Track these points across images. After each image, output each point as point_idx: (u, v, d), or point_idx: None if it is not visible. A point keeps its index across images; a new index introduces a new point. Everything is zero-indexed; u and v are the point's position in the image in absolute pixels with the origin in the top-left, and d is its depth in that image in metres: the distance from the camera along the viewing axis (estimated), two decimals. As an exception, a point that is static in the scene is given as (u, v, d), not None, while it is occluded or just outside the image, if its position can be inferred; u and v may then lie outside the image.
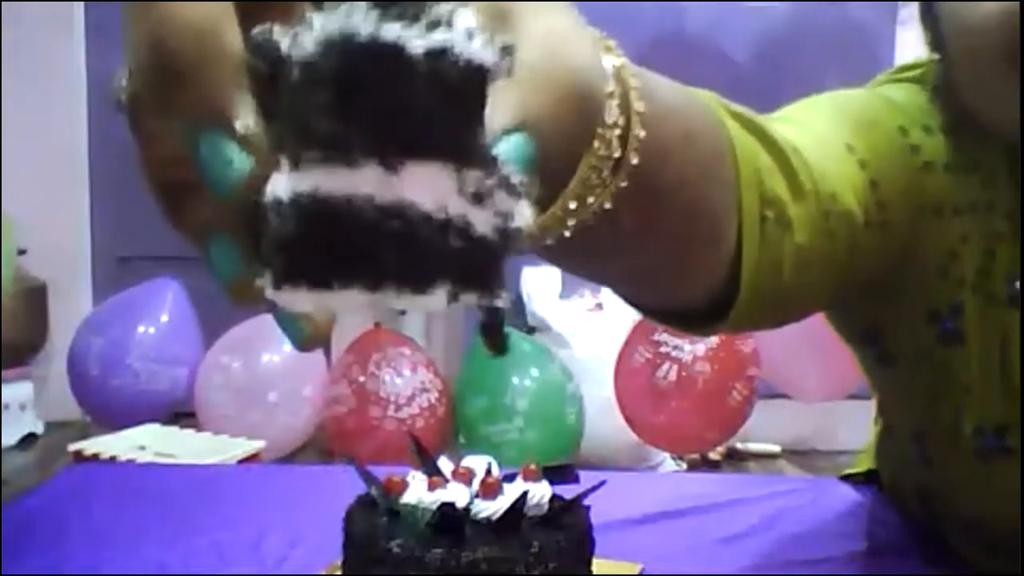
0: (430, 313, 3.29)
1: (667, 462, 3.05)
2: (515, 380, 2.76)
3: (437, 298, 0.26)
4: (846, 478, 1.00)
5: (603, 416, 2.83)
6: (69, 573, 0.78)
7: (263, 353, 2.82)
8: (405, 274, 0.25)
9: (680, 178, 0.44)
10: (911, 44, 3.17)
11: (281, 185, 0.25)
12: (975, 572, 0.78)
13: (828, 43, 3.33)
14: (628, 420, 2.81)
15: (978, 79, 0.64)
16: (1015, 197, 0.69)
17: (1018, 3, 0.59)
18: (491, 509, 0.62)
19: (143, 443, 2.61)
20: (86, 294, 3.57)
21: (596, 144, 0.37)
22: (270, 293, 0.25)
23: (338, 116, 0.24)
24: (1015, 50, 0.59)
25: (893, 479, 0.90)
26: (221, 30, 0.26)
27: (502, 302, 0.27)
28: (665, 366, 2.70)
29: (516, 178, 0.26)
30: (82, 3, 3.49)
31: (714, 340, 2.68)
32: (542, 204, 0.36)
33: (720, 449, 3.13)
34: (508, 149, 0.27)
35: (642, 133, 0.38)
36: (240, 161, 0.25)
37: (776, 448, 3.30)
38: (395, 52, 0.24)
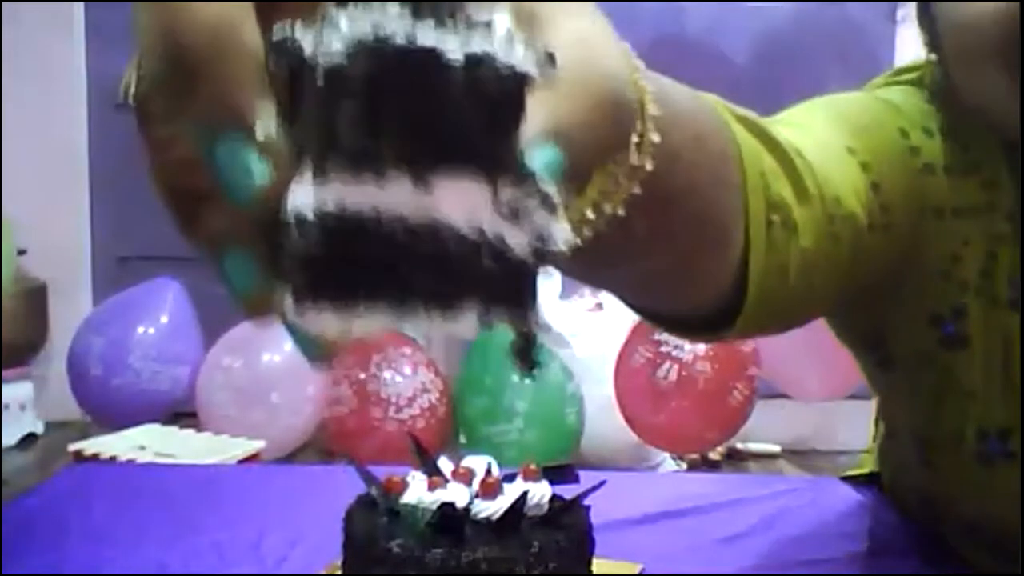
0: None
1: (667, 462, 3.05)
2: (515, 380, 2.76)
3: (467, 320, 0.24)
4: (847, 479, 1.00)
5: (603, 416, 2.83)
6: (69, 573, 0.78)
7: (264, 353, 2.82)
8: (434, 294, 0.24)
9: (690, 182, 0.44)
10: (911, 44, 3.17)
11: (304, 197, 0.23)
12: (975, 573, 0.78)
13: (828, 43, 3.33)
14: (628, 420, 2.81)
15: (974, 77, 0.64)
16: (1016, 198, 0.69)
17: (1013, 2, 0.59)
18: (491, 509, 0.62)
19: (143, 443, 2.61)
20: (86, 294, 3.57)
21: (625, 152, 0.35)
22: (291, 312, 0.24)
23: (367, 126, 0.23)
24: (1009, 47, 0.59)
25: (894, 482, 0.90)
26: (239, 26, 0.24)
27: (535, 323, 0.26)
28: (665, 366, 2.70)
29: (552, 194, 0.25)
30: (82, 3, 3.49)
31: (714, 340, 2.68)
32: None
33: (720, 449, 3.13)
34: (540, 160, 0.25)
35: (657, 138, 0.37)
36: (260, 168, 0.24)
37: (776, 448, 3.30)
38: (432, 58, 0.23)
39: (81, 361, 2.91)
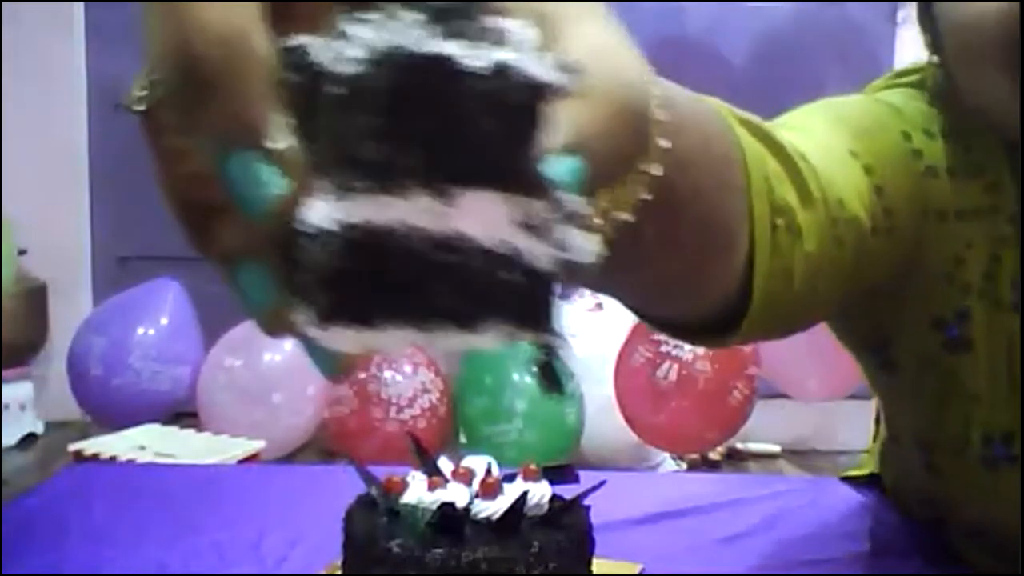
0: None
1: (667, 462, 3.05)
2: (514, 381, 2.76)
3: (490, 337, 0.24)
4: (848, 479, 1.00)
5: (603, 416, 2.83)
6: (69, 573, 0.78)
7: (265, 352, 2.83)
8: (457, 312, 0.23)
9: (696, 187, 0.44)
10: (910, 45, 3.17)
11: (322, 212, 0.22)
12: (976, 573, 0.78)
13: (828, 43, 3.33)
14: (628, 420, 2.81)
15: (976, 77, 0.64)
16: (1020, 200, 0.68)
17: (1014, 1, 0.59)
18: (491, 509, 0.62)
19: (143, 443, 2.61)
20: (86, 294, 3.57)
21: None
22: (308, 328, 0.23)
23: (387, 141, 0.22)
24: (1011, 48, 0.59)
25: (897, 485, 0.90)
26: (249, 36, 0.23)
27: (559, 340, 0.25)
28: (665, 365, 2.70)
29: (577, 206, 0.24)
30: (82, 3, 3.49)
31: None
32: None
33: (720, 449, 3.13)
34: (561, 170, 0.25)
35: (666, 143, 0.37)
36: (274, 182, 0.23)
37: (776, 448, 3.30)
38: (453, 71, 0.22)
39: (81, 361, 2.91)
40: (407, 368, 2.80)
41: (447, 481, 0.64)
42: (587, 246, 0.24)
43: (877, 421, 0.89)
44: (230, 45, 0.23)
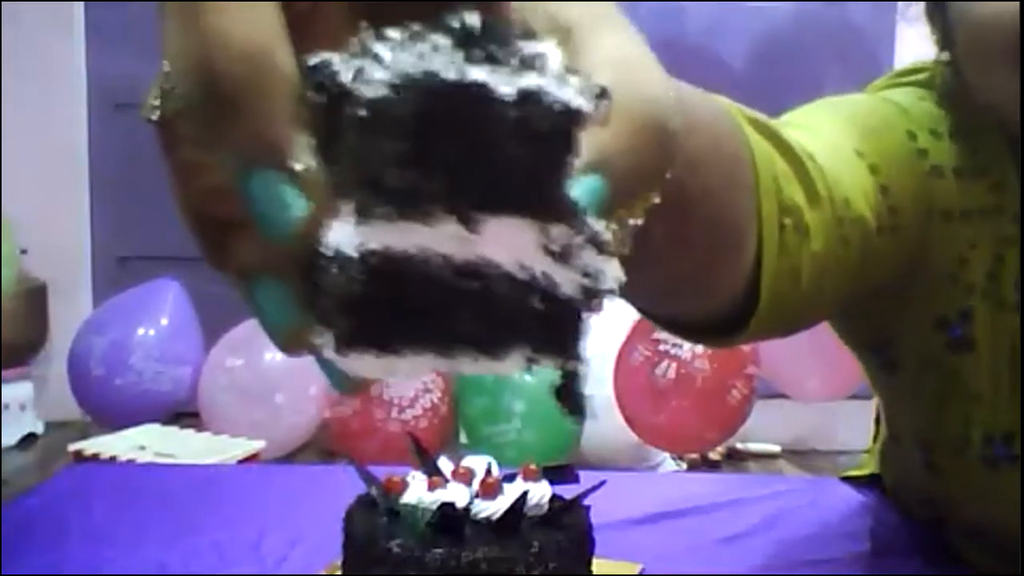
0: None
1: (667, 462, 3.05)
2: (514, 381, 2.76)
3: (512, 362, 0.24)
4: (848, 479, 1.00)
5: (603, 416, 2.83)
6: (69, 573, 0.78)
7: (266, 352, 2.83)
8: (480, 338, 0.23)
9: (706, 187, 0.43)
10: (911, 45, 3.17)
11: (345, 236, 0.22)
12: (976, 573, 0.78)
13: (828, 44, 3.33)
14: (627, 419, 2.81)
15: (987, 75, 0.64)
16: (1021, 199, 0.68)
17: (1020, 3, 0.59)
18: (491, 509, 0.62)
19: (143, 443, 2.61)
20: (86, 294, 3.57)
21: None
22: (328, 351, 0.23)
23: (411, 166, 0.22)
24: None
25: (897, 485, 0.90)
26: (274, 52, 0.23)
27: (582, 367, 0.25)
28: (664, 364, 2.70)
29: (601, 231, 0.24)
30: (82, 3, 3.49)
31: (714, 339, 2.68)
32: None
33: (720, 449, 3.13)
34: (584, 191, 0.24)
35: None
36: (297, 204, 0.23)
37: (776, 448, 3.30)
38: (480, 98, 0.21)
39: (82, 362, 2.91)
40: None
41: (447, 481, 0.64)
42: (610, 271, 0.24)
43: (877, 421, 0.89)
44: (253, 61, 0.22)
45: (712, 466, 3.13)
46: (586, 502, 0.65)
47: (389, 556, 0.59)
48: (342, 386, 0.25)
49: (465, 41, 0.22)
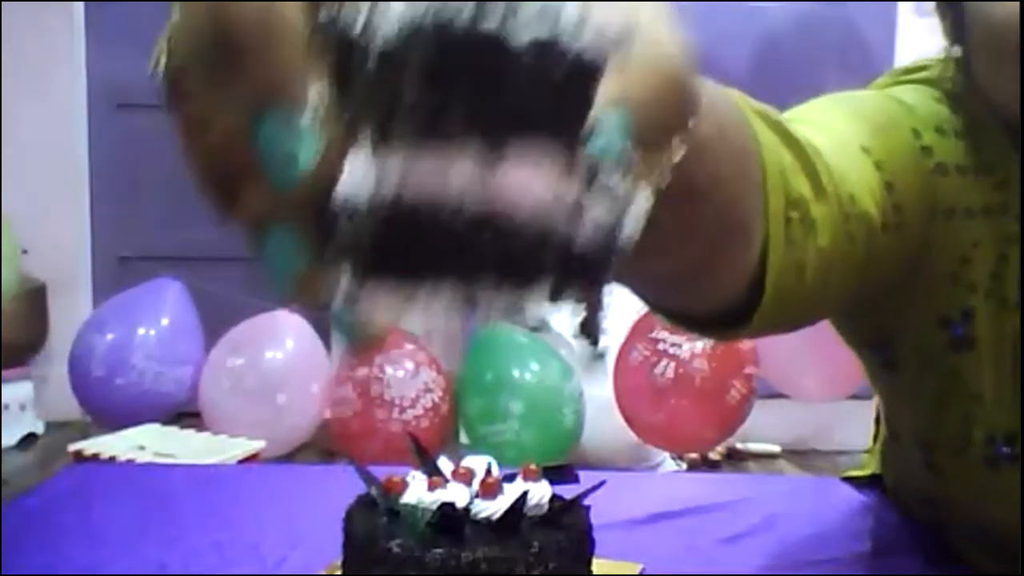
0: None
1: (667, 462, 3.05)
2: (511, 382, 2.76)
3: (536, 295, 0.23)
4: (849, 480, 1.00)
5: (603, 416, 2.83)
6: (69, 573, 0.78)
7: (266, 351, 2.83)
8: (504, 269, 0.23)
9: (714, 176, 0.43)
10: (911, 46, 3.17)
11: (360, 174, 0.22)
12: (977, 573, 0.78)
13: (828, 44, 3.34)
14: (627, 419, 2.81)
15: (999, 74, 0.64)
16: (1021, 197, 0.68)
17: None
18: (491, 509, 0.62)
19: (143, 443, 2.61)
20: (86, 294, 3.57)
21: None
22: (343, 295, 0.23)
23: (433, 90, 0.21)
24: None
25: (898, 485, 0.90)
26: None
27: (607, 300, 0.25)
28: (663, 363, 2.70)
29: (628, 162, 0.24)
30: (82, 3, 3.49)
31: (713, 338, 2.68)
32: None
33: (720, 449, 3.14)
34: (611, 129, 0.24)
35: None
36: (308, 148, 0.23)
37: (776, 448, 3.30)
38: (496, 45, 0.21)
39: (83, 362, 2.91)
40: (409, 368, 2.80)
41: (447, 481, 0.64)
42: (638, 202, 0.24)
43: (877, 421, 0.89)
44: (266, 8, 0.23)
45: (712, 466, 3.13)
46: (586, 502, 0.65)
47: (389, 556, 0.59)
48: (353, 340, 0.24)
49: None
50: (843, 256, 0.57)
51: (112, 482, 1.02)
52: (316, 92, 0.23)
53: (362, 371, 2.78)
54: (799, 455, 3.29)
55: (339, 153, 0.22)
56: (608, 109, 0.25)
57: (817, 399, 2.97)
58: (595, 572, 0.65)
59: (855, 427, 2.80)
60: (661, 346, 2.71)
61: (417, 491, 0.62)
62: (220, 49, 0.23)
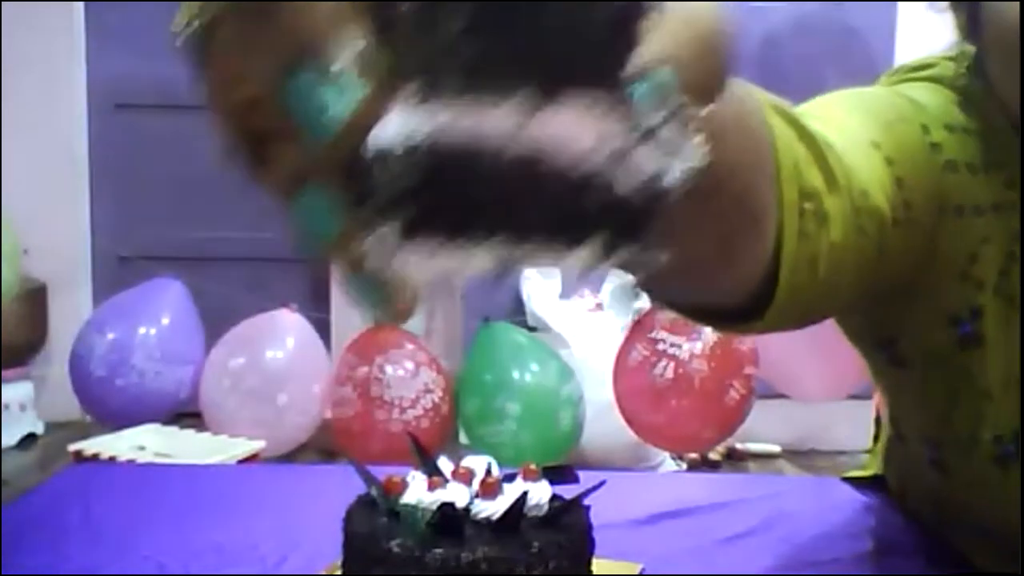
0: (430, 308, 3.29)
1: (667, 462, 3.05)
2: (509, 383, 2.76)
3: (585, 253, 0.22)
4: (851, 480, 1.00)
5: (603, 416, 2.83)
6: (69, 573, 0.78)
7: (267, 351, 2.83)
8: (553, 226, 0.22)
9: (732, 165, 0.42)
10: (911, 46, 3.17)
11: (396, 126, 0.21)
12: (980, 573, 0.78)
13: (827, 44, 3.33)
14: (627, 419, 2.81)
15: (1012, 72, 0.64)
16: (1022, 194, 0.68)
17: None
18: (491, 509, 0.62)
19: (143, 443, 2.61)
20: (86, 294, 3.57)
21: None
22: (383, 253, 0.22)
23: (480, 37, 0.21)
24: None
25: (903, 485, 0.89)
26: None
27: (661, 256, 0.24)
28: (662, 364, 2.70)
29: (680, 109, 0.23)
30: (82, 3, 3.49)
31: (712, 339, 2.68)
32: None
33: (720, 449, 3.14)
34: (652, 85, 0.23)
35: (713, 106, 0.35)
36: (343, 100, 0.22)
37: (776, 448, 3.30)
38: None
39: (84, 362, 2.91)
40: (410, 369, 2.80)
41: (447, 481, 0.64)
42: (692, 150, 0.23)
43: (877, 421, 0.89)
44: None
45: (712, 466, 3.13)
46: (586, 502, 0.66)
47: (389, 556, 0.59)
48: (378, 309, 0.24)
49: None
50: (855, 250, 0.56)
51: (112, 482, 1.02)
52: (354, 41, 0.22)
53: (362, 371, 2.78)
54: (799, 455, 3.29)
55: (378, 104, 0.22)
56: (651, 64, 0.24)
57: (817, 399, 2.97)
58: (595, 572, 0.65)
59: (855, 427, 2.80)
60: (661, 346, 2.71)
61: (417, 491, 0.62)
62: (250, 2, 0.22)
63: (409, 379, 2.79)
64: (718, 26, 0.29)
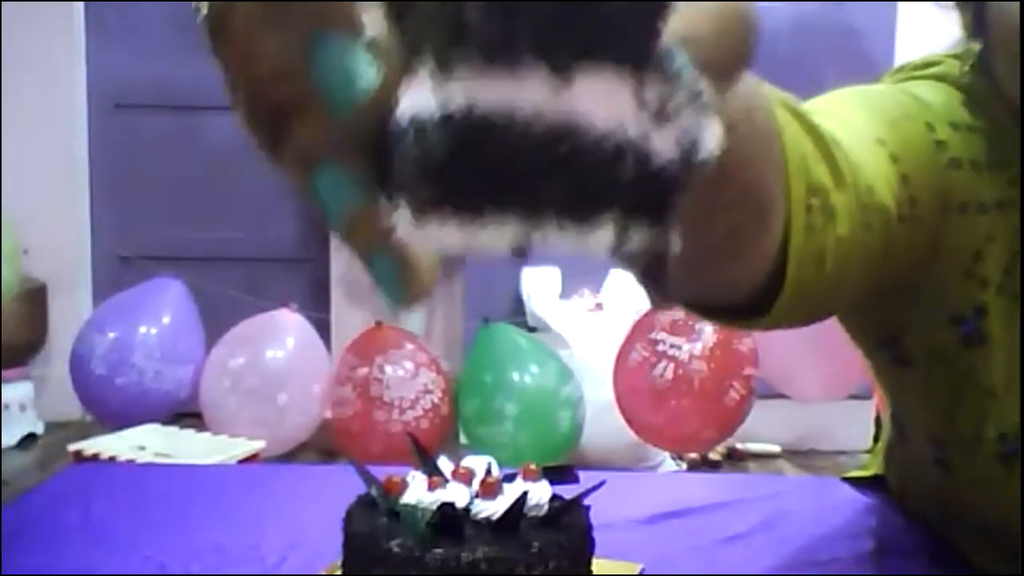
0: (430, 307, 3.29)
1: (667, 462, 3.05)
2: (508, 384, 2.76)
3: (603, 233, 0.22)
4: (852, 480, 0.99)
5: (603, 416, 2.84)
6: (69, 573, 0.78)
7: (267, 351, 2.83)
8: (571, 204, 0.21)
9: (740, 157, 0.42)
10: (911, 46, 3.17)
11: (422, 99, 0.21)
12: (981, 573, 0.78)
13: (827, 44, 3.33)
14: (627, 419, 2.81)
15: (1014, 72, 0.64)
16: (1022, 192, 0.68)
17: None
18: (491, 509, 0.62)
19: (143, 443, 2.61)
20: (86, 294, 3.57)
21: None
22: (402, 228, 0.21)
23: (500, 13, 0.20)
24: None
25: (905, 485, 0.89)
26: None
27: (676, 241, 0.23)
28: (662, 364, 2.70)
29: (703, 90, 0.23)
30: (82, 3, 3.49)
31: (712, 339, 2.68)
32: None
33: (720, 449, 3.14)
34: (679, 61, 0.23)
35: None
36: (367, 72, 0.22)
37: (776, 448, 3.30)
38: None
39: (84, 362, 2.91)
40: (409, 370, 2.80)
41: (447, 481, 0.64)
42: (712, 133, 0.23)
43: (877, 421, 0.89)
44: None
45: (712, 466, 3.13)
46: (586, 502, 0.66)
47: (389, 556, 0.59)
48: (395, 295, 0.24)
49: None
50: (861, 246, 0.56)
51: (112, 482, 1.02)
52: (376, 15, 0.22)
53: (362, 371, 2.78)
54: (799, 455, 3.29)
55: (399, 79, 0.21)
56: (675, 42, 0.24)
57: (817, 399, 2.97)
58: (595, 572, 0.65)
59: (855, 427, 2.80)
60: (660, 347, 2.71)
61: (417, 491, 0.62)
62: None
63: (409, 379, 2.79)
64: (745, 4, 0.29)
